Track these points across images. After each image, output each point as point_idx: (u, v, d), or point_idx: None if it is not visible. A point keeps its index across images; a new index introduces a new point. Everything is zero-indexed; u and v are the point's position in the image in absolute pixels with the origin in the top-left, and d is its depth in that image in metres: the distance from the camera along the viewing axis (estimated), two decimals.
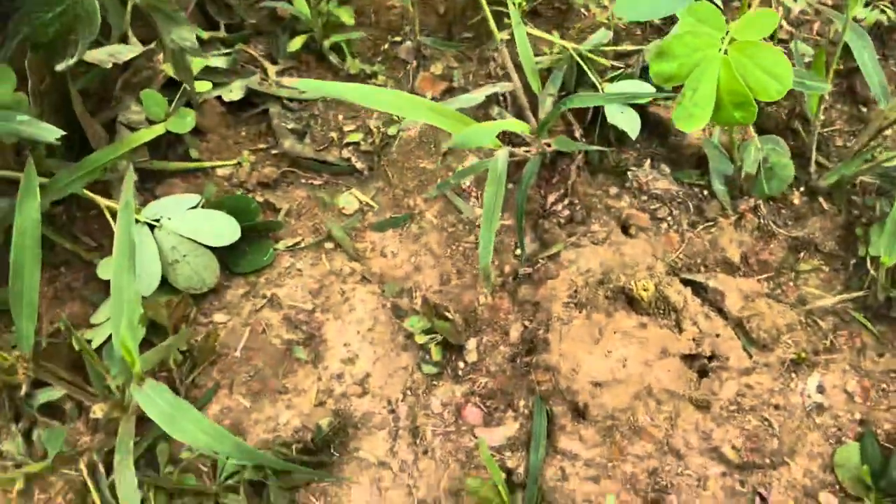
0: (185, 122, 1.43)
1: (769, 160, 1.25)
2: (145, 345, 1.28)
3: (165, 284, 1.37)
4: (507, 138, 1.52)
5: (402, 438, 1.28)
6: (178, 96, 1.47)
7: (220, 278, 1.42)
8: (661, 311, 1.29)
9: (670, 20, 1.64)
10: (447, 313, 1.34)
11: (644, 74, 1.51)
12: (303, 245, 1.48)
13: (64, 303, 1.41)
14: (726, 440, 1.19)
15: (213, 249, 1.38)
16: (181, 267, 1.36)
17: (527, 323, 1.34)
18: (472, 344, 1.33)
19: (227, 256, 1.43)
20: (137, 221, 1.34)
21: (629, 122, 1.36)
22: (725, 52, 0.98)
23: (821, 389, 1.24)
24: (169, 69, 1.44)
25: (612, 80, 1.50)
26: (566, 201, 1.41)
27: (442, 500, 1.21)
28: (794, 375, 1.25)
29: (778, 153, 1.25)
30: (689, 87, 0.98)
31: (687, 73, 0.98)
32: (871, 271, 1.29)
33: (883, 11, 1.51)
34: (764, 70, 0.96)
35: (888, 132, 1.48)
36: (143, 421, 1.29)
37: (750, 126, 1.36)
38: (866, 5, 1.55)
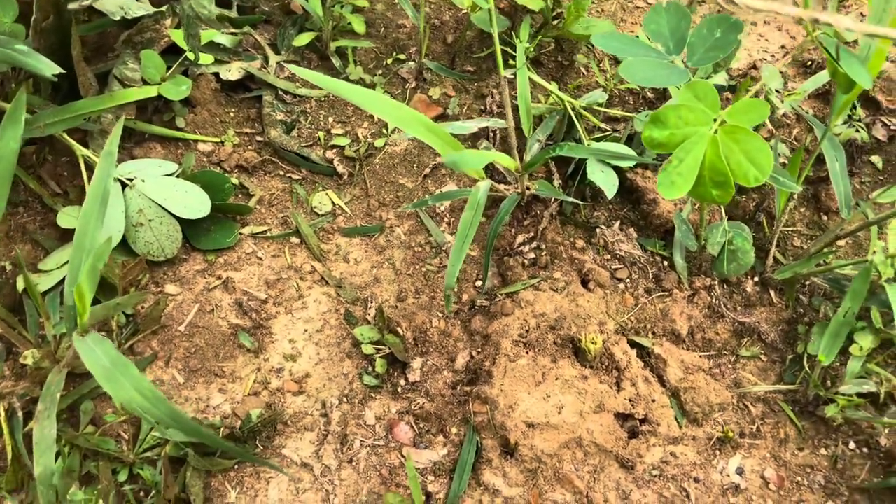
0: (179, 89, 1.43)
1: (734, 242, 1.30)
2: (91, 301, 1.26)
3: (124, 245, 1.35)
4: (489, 174, 1.55)
5: (330, 444, 1.27)
6: (176, 64, 1.46)
7: (179, 250, 1.41)
8: (605, 367, 1.32)
9: (662, 95, 1.71)
10: (399, 329, 1.35)
11: (629, 141, 1.57)
12: (268, 234, 1.48)
13: (14, 243, 1.37)
14: (643, 503, 1.22)
15: (178, 220, 1.37)
16: (144, 231, 1.34)
17: (474, 353, 1.36)
18: (416, 363, 1.34)
19: (190, 230, 1.42)
20: None
21: (608, 182, 1.41)
22: (715, 132, 1.03)
23: (740, 471, 1.28)
24: (174, 35, 1.44)
25: (598, 139, 1.56)
26: (534, 244, 1.44)
27: None
28: (717, 453, 1.29)
29: (743, 238, 1.30)
30: (676, 157, 1.02)
31: (676, 144, 1.03)
32: (806, 368, 1.34)
33: (858, 130, 1.60)
34: (747, 156, 1.01)
35: (842, 243, 1.55)
36: (71, 378, 1.26)
37: (721, 209, 1.43)
38: (843, 122, 1.64)
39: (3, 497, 1.14)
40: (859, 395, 1.32)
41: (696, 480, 1.25)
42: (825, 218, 1.59)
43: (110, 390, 0.93)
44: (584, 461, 1.24)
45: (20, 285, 1.29)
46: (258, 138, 1.59)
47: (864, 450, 1.31)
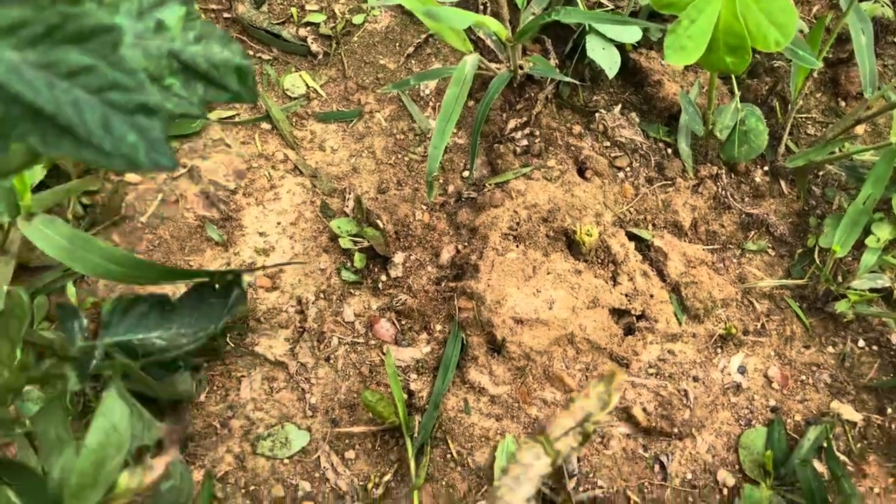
0: None
1: (746, 123, 1.18)
2: (43, 189, 1.15)
3: None
4: (478, 52, 1.41)
5: (305, 341, 1.19)
6: None
7: None
8: (600, 261, 1.22)
9: None
10: (379, 221, 1.25)
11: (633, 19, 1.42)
12: (237, 120, 1.36)
13: None
14: (638, 402, 1.15)
15: None
16: None
17: (460, 247, 1.26)
18: (398, 258, 1.25)
19: None
20: None
21: (609, 60, 1.28)
22: None
23: (742, 370, 1.20)
24: None
25: None
26: (527, 130, 1.32)
27: (335, 409, 1.14)
28: (718, 351, 1.22)
29: (756, 118, 1.19)
30: (687, 18, 0.89)
31: (687, 2, 0.90)
32: (817, 262, 1.25)
33: (884, 6, 1.46)
34: (768, 16, 0.89)
35: (860, 131, 1.44)
36: (25, 272, 1.17)
37: (735, 86, 1.30)
38: None
39: None
40: (872, 290, 1.23)
41: (696, 379, 1.18)
42: (843, 104, 1.47)
43: (76, 266, 0.84)
44: (575, 358, 1.16)
45: None
46: (225, 15, 1.45)
47: (874, 347, 1.23)
